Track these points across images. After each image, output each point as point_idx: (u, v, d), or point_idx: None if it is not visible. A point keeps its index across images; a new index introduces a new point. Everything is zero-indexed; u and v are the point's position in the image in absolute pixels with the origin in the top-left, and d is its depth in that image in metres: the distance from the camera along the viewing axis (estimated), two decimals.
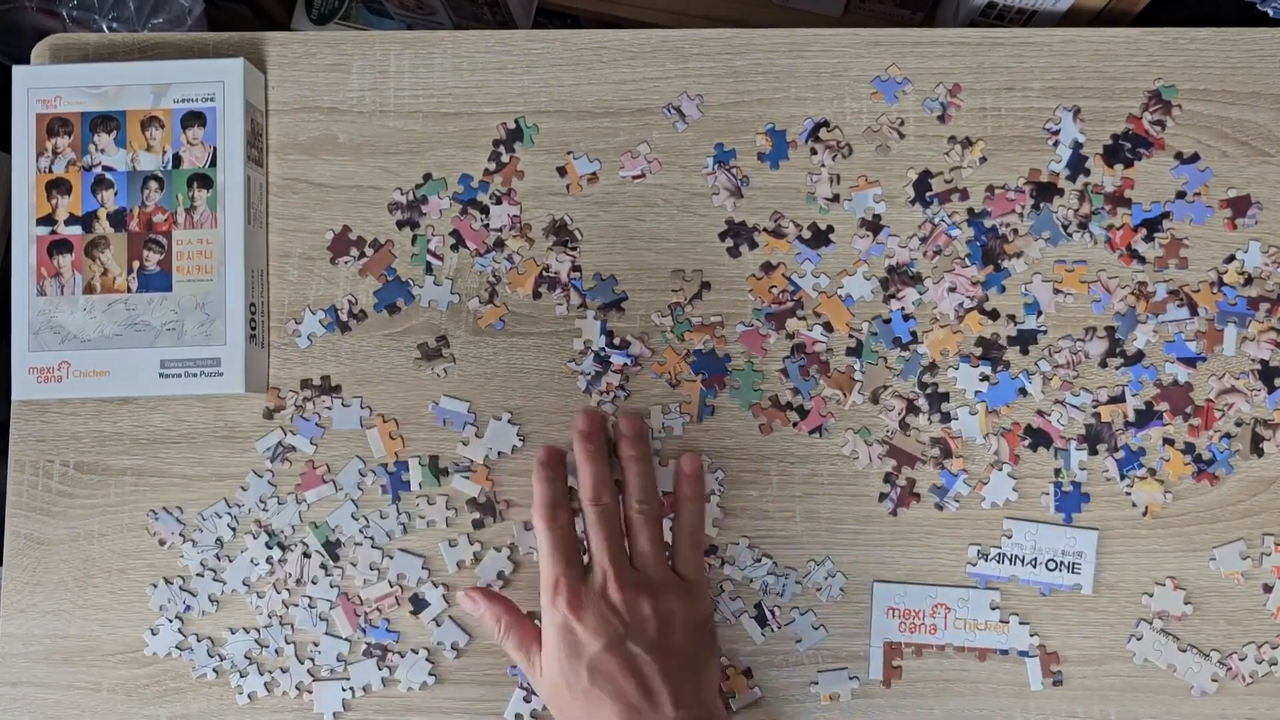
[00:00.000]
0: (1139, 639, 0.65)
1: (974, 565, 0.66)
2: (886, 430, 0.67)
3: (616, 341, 0.67)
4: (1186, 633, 0.65)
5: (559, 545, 0.61)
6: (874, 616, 0.66)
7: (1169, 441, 0.66)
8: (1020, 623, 0.65)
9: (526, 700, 0.65)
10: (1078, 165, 0.68)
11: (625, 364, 0.67)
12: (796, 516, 0.66)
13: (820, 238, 0.68)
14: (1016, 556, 0.65)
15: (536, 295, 0.68)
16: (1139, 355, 0.66)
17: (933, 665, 0.65)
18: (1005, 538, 0.66)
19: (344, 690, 0.66)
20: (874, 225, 0.68)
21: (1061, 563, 0.65)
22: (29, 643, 0.67)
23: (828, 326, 0.67)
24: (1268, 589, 0.65)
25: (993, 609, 0.65)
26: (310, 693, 0.66)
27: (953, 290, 0.67)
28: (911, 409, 0.66)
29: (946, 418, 0.66)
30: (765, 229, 0.68)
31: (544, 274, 0.68)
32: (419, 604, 0.66)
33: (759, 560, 0.66)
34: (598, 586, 0.59)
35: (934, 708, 0.65)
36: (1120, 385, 0.66)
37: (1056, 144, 0.68)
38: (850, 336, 0.67)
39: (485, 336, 0.68)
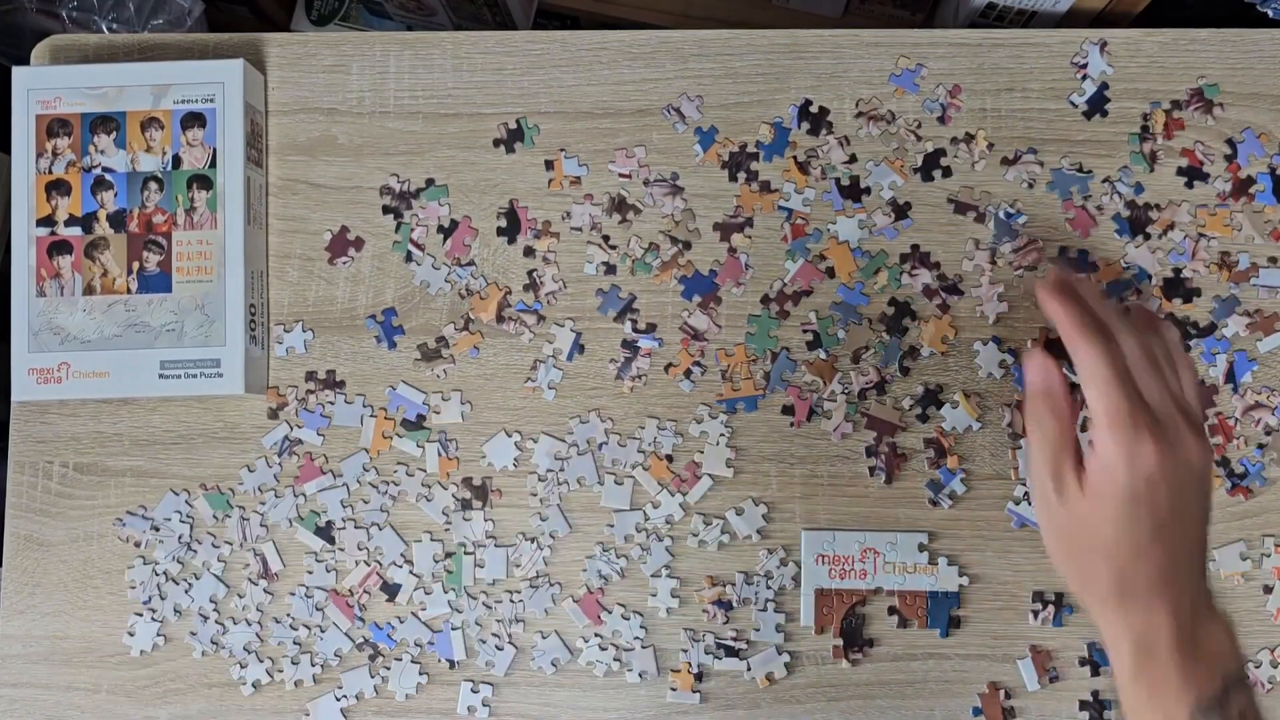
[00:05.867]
0: None
1: (1016, 504, 0.66)
2: (858, 391, 0.66)
3: (642, 326, 0.68)
4: None
5: (1120, 374, 0.50)
6: (804, 565, 0.66)
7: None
8: (949, 564, 0.65)
9: (474, 691, 0.65)
10: (1098, 103, 0.68)
11: (653, 348, 0.67)
12: (797, 517, 0.66)
13: (851, 191, 0.68)
14: None
15: (500, 320, 0.68)
16: (1211, 327, 0.67)
17: (933, 667, 0.65)
18: None
19: (338, 699, 0.66)
20: (900, 209, 0.68)
21: None
22: (29, 644, 0.67)
23: (830, 272, 0.68)
24: (1268, 590, 0.65)
25: (921, 551, 0.65)
26: (308, 699, 0.66)
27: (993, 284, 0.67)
28: (881, 387, 0.67)
29: (926, 419, 0.66)
30: (793, 156, 0.68)
31: (506, 298, 0.68)
32: (391, 590, 0.66)
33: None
34: (1171, 432, 0.50)
35: (934, 708, 0.65)
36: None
37: (1085, 77, 0.68)
38: (804, 331, 0.67)
39: (479, 337, 0.68)
